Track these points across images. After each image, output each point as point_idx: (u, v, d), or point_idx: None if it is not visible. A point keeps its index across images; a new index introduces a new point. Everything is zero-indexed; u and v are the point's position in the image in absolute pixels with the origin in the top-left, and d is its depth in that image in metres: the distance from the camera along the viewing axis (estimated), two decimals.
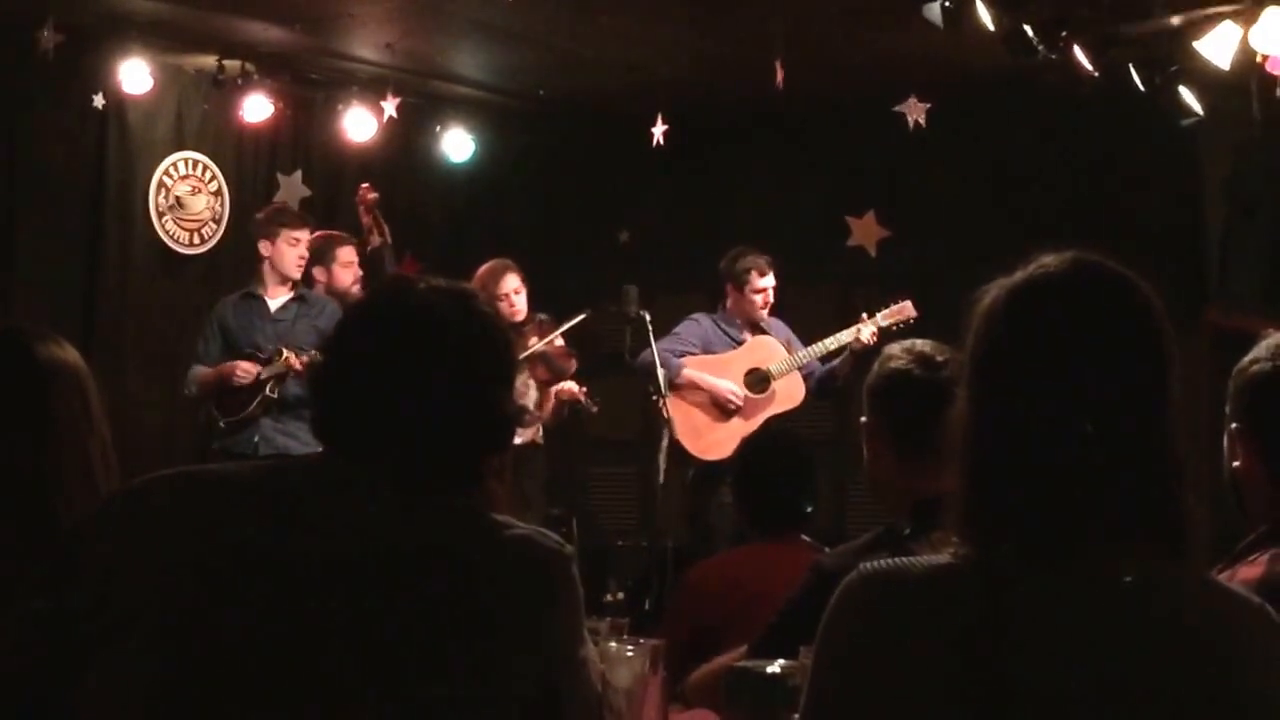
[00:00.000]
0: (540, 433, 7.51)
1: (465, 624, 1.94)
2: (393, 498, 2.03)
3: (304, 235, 7.20)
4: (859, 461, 3.15)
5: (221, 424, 6.98)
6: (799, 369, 7.49)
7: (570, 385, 7.37)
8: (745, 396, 7.40)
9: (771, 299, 7.56)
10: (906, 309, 7.49)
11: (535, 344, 7.17)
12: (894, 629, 1.72)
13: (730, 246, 7.62)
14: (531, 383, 7.34)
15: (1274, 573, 2.33)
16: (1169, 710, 1.64)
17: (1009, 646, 1.66)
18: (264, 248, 7.14)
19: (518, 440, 7.19)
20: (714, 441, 7.25)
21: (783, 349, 7.54)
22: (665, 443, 7.21)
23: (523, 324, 7.26)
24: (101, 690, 1.96)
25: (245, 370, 6.92)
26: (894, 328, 7.44)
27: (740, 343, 7.55)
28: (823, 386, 7.59)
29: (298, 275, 7.20)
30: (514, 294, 7.28)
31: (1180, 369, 1.76)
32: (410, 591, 1.93)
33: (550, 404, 7.45)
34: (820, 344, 7.45)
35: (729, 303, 7.61)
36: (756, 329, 7.59)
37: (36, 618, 2.08)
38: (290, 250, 7.12)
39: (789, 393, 7.50)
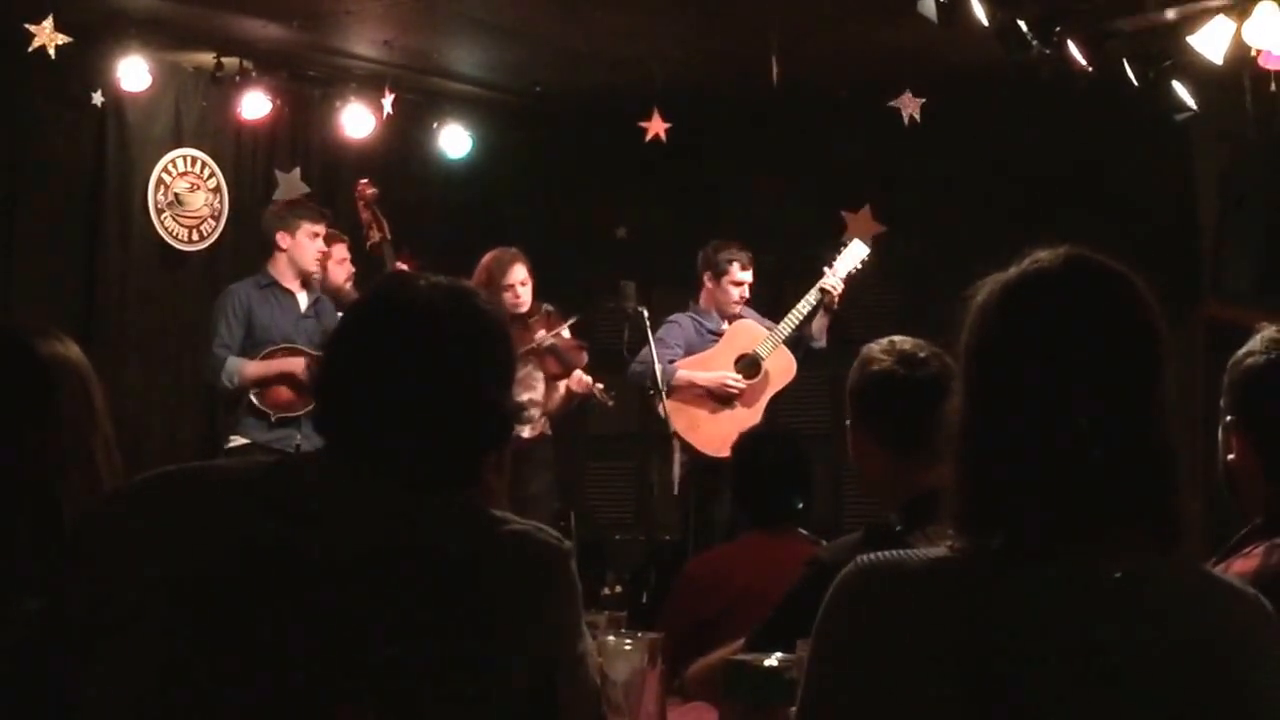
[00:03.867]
0: (548, 424, 7.44)
1: (464, 620, 1.94)
2: (392, 494, 2.03)
3: (322, 229, 7.15)
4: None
5: (274, 419, 6.84)
6: (783, 342, 7.51)
7: (585, 378, 7.30)
8: (743, 382, 7.42)
9: (747, 294, 7.60)
10: (859, 247, 7.62)
11: (543, 336, 7.10)
12: (890, 622, 1.73)
13: (726, 241, 7.64)
14: (539, 375, 7.29)
15: (1268, 565, 2.34)
16: (1163, 702, 1.65)
17: (1004, 639, 1.66)
18: (282, 240, 7.07)
19: (527, 433, 7.19)
20: (721, 435, 7.26)
21: (761, 328, 7.56)
22: (678, 453, 7.23)
23: (528, 315, 7.15)
24: (100, 687, 1.96)
25: None
26: (854, 270, 7.54)
27: (720, 334, 7.57)
28: (805, 351, 7.61)
29: (316, 269, 7.14)
30: (520, 285, 7.15)
31: (1174, 363, 1.78)
32: (409, 588, 1.94)
33: (558, 396, 7.38)
34: (794, 312, 7.48)
35: (703, 296, 7.65)
36: (732, 320, 7.63)
37: (37, 615, 2.09)
38: (310, 244, 7.07)
39: (781, 369, 7.52)
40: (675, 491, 7.32)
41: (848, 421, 3.11)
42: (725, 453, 6.97)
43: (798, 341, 7.56)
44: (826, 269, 7.53)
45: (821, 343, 7.54)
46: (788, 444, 4.68)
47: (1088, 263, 1.81)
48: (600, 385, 7.30)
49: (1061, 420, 1.72)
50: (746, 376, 7.44)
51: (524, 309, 7.15)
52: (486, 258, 7.21)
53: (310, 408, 6.71)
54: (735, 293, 7.56)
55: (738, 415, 7.30)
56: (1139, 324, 1.78)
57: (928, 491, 2.21)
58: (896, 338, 3.06)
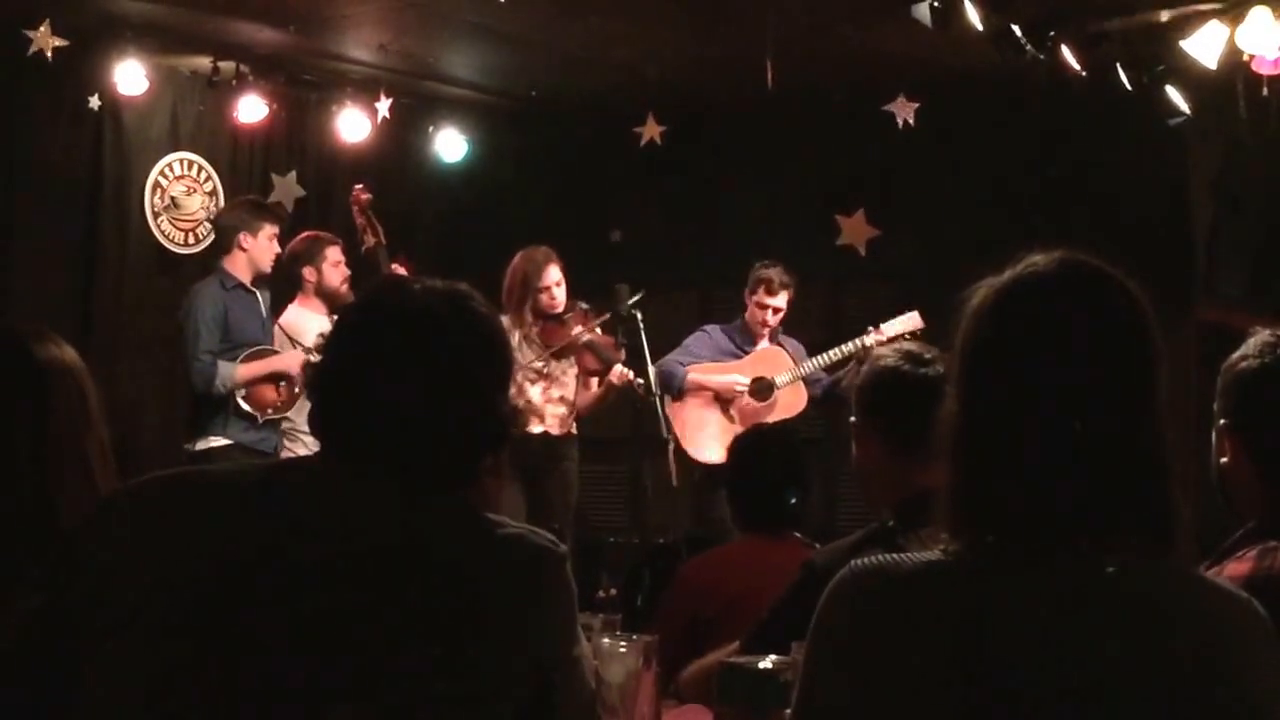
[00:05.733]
0: (574, 424, 7.38)
1: (459, 623, 1.94)
2: (388, 498, 2.03)
3: (277, 230, 7.14)
4: (849, 459, 3.17)
5: (261, 420, 6.83)
6: (803, 379, 7.51)
7: (625, 372, 7.17)
8: (748, 400, 7.42)
9: (773, 321, 7.57)
10: (914, 319, 7.47)
11: (580, 331, 7.07)
12: (885, 625, 1.73)
13: (721, 246, 7.66)
14: (571, 371, 7.26)
15: (1262, 568, 2.34)
16: (1157, 705, 1.65)
17: (997, 642, 1.67)
18: (244, 240, 6.99)
19: (557, 430, 7.19)
20: (714, 444, 7.27)
21: (789, 359, 7.56)
22: (672, 446, 7.23)
23: (563, 313, 7.12)
24: (99, 689, 1.96)
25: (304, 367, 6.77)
26: (902, 338, 7.47)
27: (748, 352, 7.58)
28: (828, 395, 7.60)
29: (270, 271, 7.11)
30: (555, 286, 7.10)
31: (1167, 366, 1.78)
32: (405, 591, 1.94)
33: (590, 394, 7.32)
34: (825, 354, 7.49)
35: (746, 312, 7.66)
36: (768, 342, 7.64)
37: (35, 616, 2.09)
38: (269, 246, 7.04)
39: (790, 402, 7.55)
40: (675, 483, 7.27)
41: (852, 419, 3.12)
42: (716, 459, 7.03)
43: (829, 390, 7.56)
44: (872, 327, 7.44)
45: (846, 390, 7.49)
46: (783, 445, 4.67)
47: (1081, 266, 1.81)
48: (640, 380, 7.23)
49: (1055, 423, 1.73)
50: (757, 398, 7.45)
51: (559, 309, 7.13)
52: (518, 260, 7.17)
53: (293, 409, 6.60)
54: (760, 314, 7.55)
55: (734, 430, 7.30)
56: (1132, 327, 1.79)
57: (922, 492, 2.21)
58: (906, 341, 3.07)
